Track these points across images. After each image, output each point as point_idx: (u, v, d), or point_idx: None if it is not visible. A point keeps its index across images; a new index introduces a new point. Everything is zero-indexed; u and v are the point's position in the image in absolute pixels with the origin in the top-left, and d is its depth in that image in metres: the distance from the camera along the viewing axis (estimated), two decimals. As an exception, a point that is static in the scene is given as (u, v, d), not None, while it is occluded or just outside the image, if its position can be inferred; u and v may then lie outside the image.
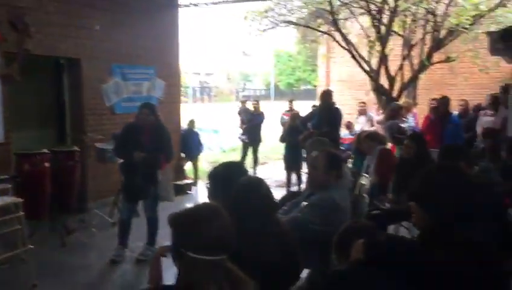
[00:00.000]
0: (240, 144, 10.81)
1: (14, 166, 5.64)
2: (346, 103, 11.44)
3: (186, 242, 1.64)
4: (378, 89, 8.95)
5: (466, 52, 9.32)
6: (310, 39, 11.75)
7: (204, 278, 1.59)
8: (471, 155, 4.16)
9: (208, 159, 11.08)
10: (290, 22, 9.76)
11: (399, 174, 4.84)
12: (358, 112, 10.28)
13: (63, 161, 6.03)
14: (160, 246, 2.04)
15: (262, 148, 10.79)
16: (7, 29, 3.56)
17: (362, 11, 8.78)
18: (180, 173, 9.01)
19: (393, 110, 7.25)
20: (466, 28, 8.09)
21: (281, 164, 8.62)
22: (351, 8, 8.99)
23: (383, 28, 8.52)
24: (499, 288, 1.94)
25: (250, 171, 8.65)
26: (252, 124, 10.08)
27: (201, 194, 8.48)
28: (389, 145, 6.62)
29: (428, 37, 8.89)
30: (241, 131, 10.60)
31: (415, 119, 8.87)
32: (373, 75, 8.87)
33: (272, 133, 11.75)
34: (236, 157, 10.44)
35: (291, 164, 8.10)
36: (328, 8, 8.65)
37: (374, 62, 8.96)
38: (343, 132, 9.42)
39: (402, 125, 6.89)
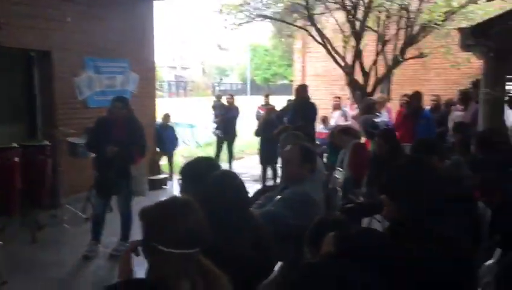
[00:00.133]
0: (215, 138, 10.77)
1: (-18, 161, 5.51)
2: (321, 98, 11.51)
3: (157, 236, 1.62)
4: (352, 84, 9.04)
5: (438, 48, 9.49)
6: (285, 34, 11.77)
7: (176, 272, 1.58)
8: (442, 150, 4.24)
9: (183, 154, 11.01)
10: (265, 16, 9.75)
11: (372, 168, 4.91)
12: (332, 106, 10.37)
13: (34, 156, 5.91)
14: (132, 241, 2.02)
15: (237, 142, 10.77)
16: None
17: (337, 6, 8.84)
18: (156, 168, 8.93)
19: (367, 105, 7.33)
20: (438, 24, 8.24)
21: (257, 159, 8.64)
22: (326, 3, 9.04)
23: (357, 24, 8.60)
24: (469, 282, 1.99)
25: (226, 166, 8.64)
26: (225, 119, 10.02)
27: (176, 189, 8.42)
28: (363, 139, 6.70)
29: (401, 33, 9.01)
30: (215, 126, 10.55)
31: (389, 114, 8.99)
32: (348, 70, 8.95)
33: (248, 127, 11.75)
34: (211, 152, 10.40)
35: (267, 158, 8.11)
36: (304, 2, 8.68)
37: (349, 57, 9.04)
38: (319, 127, 9.49)
39: (375, 120, 6.97)
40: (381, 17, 8.88)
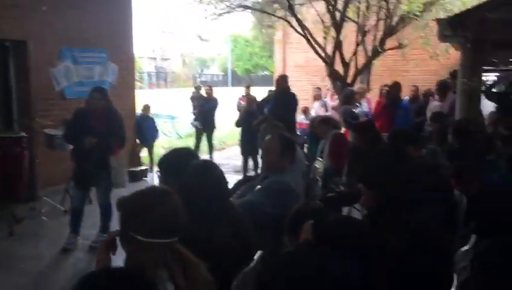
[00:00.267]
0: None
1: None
2: (302, 89, 11.54)
3: (135, 226, 1.61)
4: (333, 75, 9.07)
5: (417, 39, 9.58)
6: (266, 24, 11.72)
7: (153, 262, 1.57)
8: (419, 139, 4.30)
9: (163, 145, 10.94)
10: (245, 7, 9.68)
11: (352, 158, 4.94)
12: (313, 97, 10.40)
13: (10, 148, 5.80)
14: (110, 231, 2.01)
15: (218, 134, 10.74)
16: None
17: (318, -4, 8.84)
18: (136, 160, 8.86)
19: (346, 95, 7.37)
20: (417, 15, 8.31)
21: (238, 150, 8.62)
22: (307, -7, 9.04)
23: (337, 14, 8.61)
24: (446, 272, 2.02)
25: (207, 158, 8.61)
26: (204, 110, 9.95)
27: (157, 180, 8.36)
28: (343, 129, 6.74)
29: (381, 24, 9.06)
30: (194, 117, 10.46)
31: (369, 104, 9.06)
32: (328, 61, 8.97)
33: (229, 118, 11.72)
34: (192, 143, 10.35)
35: (248, 149, 8.11)
36: (284, -7, 8.65)
37: (329, 48, 9.06)
38: (300, 117, 9.52)
39: (354, 110, 7.01)
40: (361, 7, 8.91)
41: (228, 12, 9.51)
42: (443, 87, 7.12)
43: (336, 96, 9.22)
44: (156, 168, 8.81)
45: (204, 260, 1.84)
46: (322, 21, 9.21)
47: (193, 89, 12.20)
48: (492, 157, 3.73)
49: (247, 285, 2.12)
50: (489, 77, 9.11)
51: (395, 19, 8.74)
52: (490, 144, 4.19)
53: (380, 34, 9.07)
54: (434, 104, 7.25)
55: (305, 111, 10.17)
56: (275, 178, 3.07)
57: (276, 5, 9.40)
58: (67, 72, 7.24)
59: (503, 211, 3.28)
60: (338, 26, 8.62)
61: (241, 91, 12.49)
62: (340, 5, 8.57)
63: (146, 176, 8.55)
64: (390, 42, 9.17)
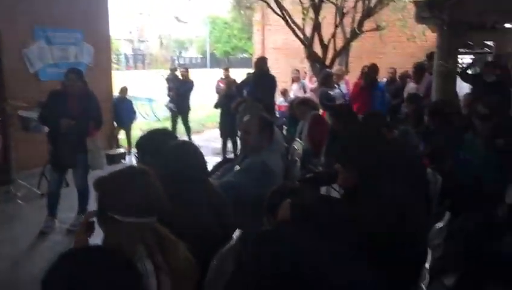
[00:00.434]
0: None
1: None
2: (281, 71, 11.51)
3: (113, 205, 1.60)
4: (312, 57, 9.07)
5: (395, 21, 9.65)
6: (244, 5, 11.63)
7: (131, 241, 1.57)
8: (390, 121, 4.39)
9: (142, 128, 10.82)
10: (224, -13, 9.58)
11: (330, 139, 4.98)
12: (291, 79, 10.40)
13: (-17, 131, 5.67)
14: (88, 211, 1.99)
15: (197, 116, 10.66)
16: None
17: (296, -23, 8.79)
18: (114, 142, 8.76)
19: (323, 77, 7.39)
20: (395, -3, 8.36)
21: (217, 132, 8.60)
22: (285, -26, 8.97)
23: (316, -4, 8.59)
24: (421, 247, 2.07)
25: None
26: (179, 92, 9.82)
27: (135, 162, 8.32)
28: (321, 111, 6.77)
29: (359, 5, 9.08)
30: (168, 99, 10.30)
31: (347, 86, 9.11)
32: (307, 43, 8.97)
33: (208, 101, 11.63)
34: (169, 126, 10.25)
35: (227, 131, 8.09)
36: (263, -27, 8.58)
37: (308, 30, 9.05)
38: (279, 100, 9.51)
39: (331, 92, 7.04)
40: (340, -11, 8.91)
41: (206, -8, 9.39)
42: (420, 70, 7.20)
43: (315, 79, 9.24)
44: (134, 151, 8.73)
45: (184, 239, 1.84)
46: (301, 2, 9.17)
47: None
48: (470, 135, 3.81)
49: (226, 264, 2.14)
50: (465, 60, 9.26)
51: (373, 1, 8.76)
52: (468, 122, 4.27)
53: (358, 15, 9.09)
54: (411, 86, 7.34)
55: (284, 93, 10.16)
56: (254, 158, 3.08)
57: (254, -14, 9.34)
58: (41, 53, 7.07)
59: (475, 189, 3.38)
60: (317, 7, 8.61)
61: (220, 73, 12.39)
62: (318, -14, 8.56)
63: (124, 159, 8.47)
64: (368, 24, 9.21)
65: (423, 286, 1.86)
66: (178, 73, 10.47)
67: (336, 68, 8.90)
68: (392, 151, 2.34)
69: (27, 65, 6.88)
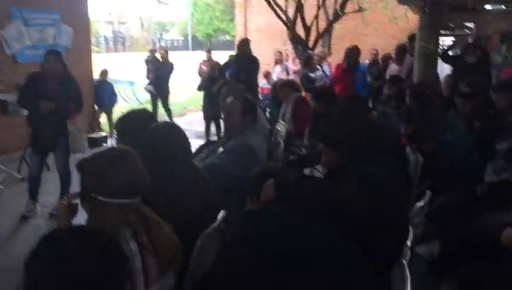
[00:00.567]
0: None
1: None
2: (264, 53, 11.45)
3: (96, 186, 1.59)
4: (294, 39, 9.04)
5: (377, 2, 9.65)
6: (226, -14, 11.48)
7: (115, 222, 1.56)
8: (368, 103, 4.45)
9: (123, 111, 10.68)
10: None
11: (313, 121, 5.00)
12: (274, 61, 10.35)
13: (-40, 114, 5.54)
14: (70, 193, 1.98)
15: (180, 99, 10.57)
16: None
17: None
18: (95, 126, 8.66)
19: (305, 59, 7.40)
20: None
21: (200, 115, 8.55)
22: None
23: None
24: (402, 224, 2.11)
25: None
26: (158, 75, 9.70)
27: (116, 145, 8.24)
28: (304, 93, 6.79)
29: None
30: (148, 81, 10.18)
31: (330, 68, 9.12)
32: (289, 25, 8.92)
33: (190, 84, 11.52)
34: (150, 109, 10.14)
35: (210, 114, 8.06)
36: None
37: (291, 12, 9.00)
38: (262, 82, 9.48)
39: (311, 74, 7.05)
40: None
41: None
42: (401, 51, 7.24)
43: (298, 61, 9.22)
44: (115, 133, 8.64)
45: (169, 220, 1.84)
46: (283, -17, 9.12)
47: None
48: (451, 114, 3.86)
49: (211, 244, 2.15)
50: (446, 42, 9.33)
51: (356, -18, 8.74)
52: (449, 104, 4.33)
53: (340, -3, 9.06)
54: (393, 68, 7.39)
55: (267, 75, 10.13)
56: (237, 140, 3.08)
57: (236, -34, 9.21)
58: (19, 34, 6.90)
59: (456, 169, 3.44)
60: (299, -12, 8.56)
61: (202, 56, 12.28)
62: (301, -33, 8.49)
63: (106, 142, 8.38)
64: (350, 6, 9.20)
65: (405, 263, 1.90)
66: (158, 55, 10.33)
67: (318, 50, 8.90)
68: (373, 132, 2.36)
69: (4, 47, 6.71)
